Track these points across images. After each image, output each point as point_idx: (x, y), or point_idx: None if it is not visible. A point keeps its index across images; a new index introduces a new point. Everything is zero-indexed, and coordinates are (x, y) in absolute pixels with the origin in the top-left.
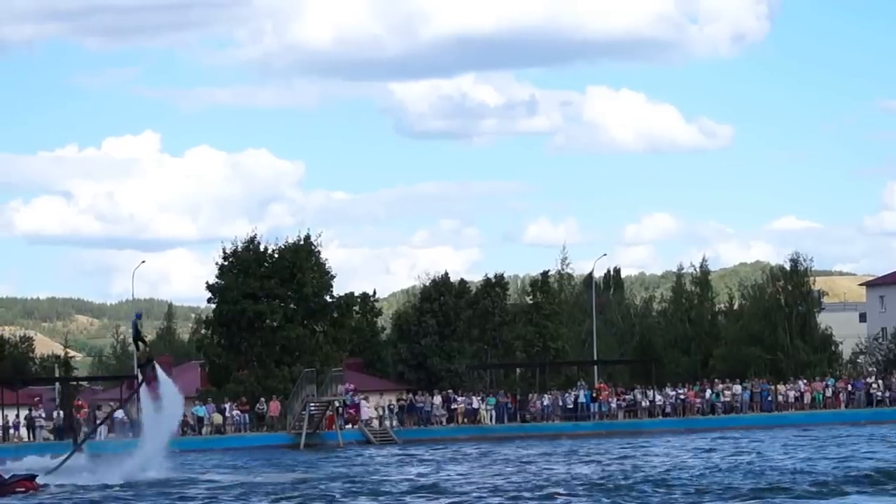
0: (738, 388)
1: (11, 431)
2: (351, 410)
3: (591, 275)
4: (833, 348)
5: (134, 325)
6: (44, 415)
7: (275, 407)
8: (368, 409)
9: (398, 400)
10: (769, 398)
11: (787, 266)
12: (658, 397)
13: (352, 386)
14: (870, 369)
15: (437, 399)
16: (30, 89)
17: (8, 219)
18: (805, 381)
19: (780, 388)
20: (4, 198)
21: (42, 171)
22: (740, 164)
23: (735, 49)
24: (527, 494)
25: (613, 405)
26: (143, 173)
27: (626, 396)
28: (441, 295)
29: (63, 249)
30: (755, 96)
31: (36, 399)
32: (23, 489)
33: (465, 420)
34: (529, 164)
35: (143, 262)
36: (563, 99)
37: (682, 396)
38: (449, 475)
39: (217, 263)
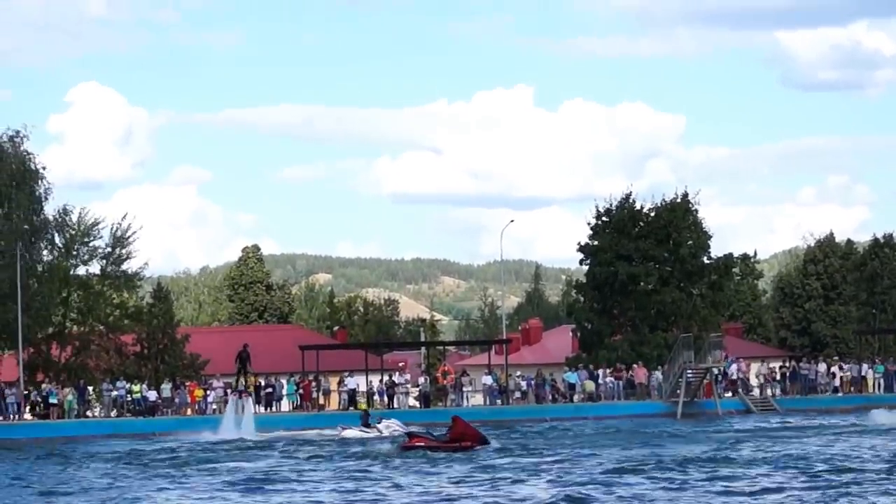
0: None
1: (376, 398)
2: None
3: None
4: None
5: None
6: (409, 380)
7: (641, 373)
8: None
9: (780, 367)
10: None
11: None
12: None
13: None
14: None
15: (822, 366)
16: (398, 41)
17: (375, 176)
18: None
19: None
20: (372, 154)
21: (410, 127)
22: None
23: None
24: None
25: None
26: (515, 128)
27: None
28: (826, 256)
29: (429, 208)
30: None
31: (401, 364)
32: None
33: (851, 389)
34: None
35: (512, 221)
36: None
37: None
38: None
39: (589, 223)
